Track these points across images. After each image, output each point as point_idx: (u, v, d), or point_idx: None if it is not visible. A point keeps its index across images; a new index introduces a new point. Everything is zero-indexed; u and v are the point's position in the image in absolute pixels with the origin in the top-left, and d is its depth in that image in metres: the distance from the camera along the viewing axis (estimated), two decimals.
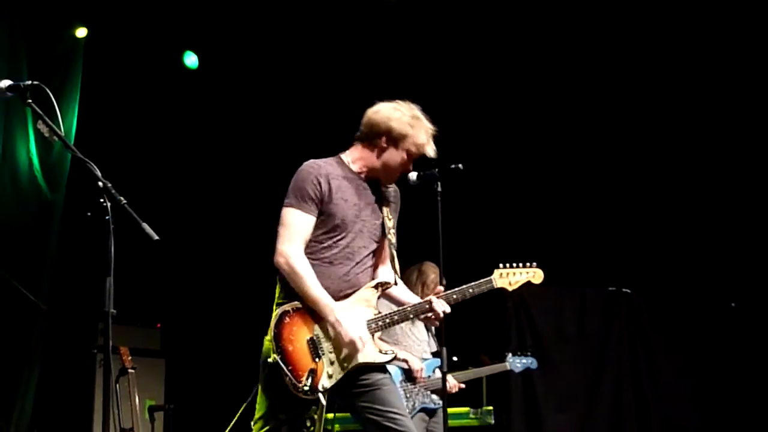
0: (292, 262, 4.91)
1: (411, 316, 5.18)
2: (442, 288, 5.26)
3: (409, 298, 5.26)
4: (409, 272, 7.63)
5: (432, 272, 7.62)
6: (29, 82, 4.24)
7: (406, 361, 7.36)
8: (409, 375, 7.38)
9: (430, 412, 7.45)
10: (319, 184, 5.00)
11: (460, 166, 5.43)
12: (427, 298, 5.16)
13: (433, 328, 7.51)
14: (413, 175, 5.39)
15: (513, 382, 9.77)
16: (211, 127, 11.00)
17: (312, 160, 5.13)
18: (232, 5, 10.20)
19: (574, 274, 10.10)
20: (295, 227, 4.98)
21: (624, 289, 10.15)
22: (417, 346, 7.53)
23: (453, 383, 7.51)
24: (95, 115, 9.83)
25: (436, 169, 5.45)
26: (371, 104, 5.23)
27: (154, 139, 10.68)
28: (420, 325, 7.55)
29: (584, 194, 10.47)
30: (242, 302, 10.55)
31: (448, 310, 5.13)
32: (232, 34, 10.52)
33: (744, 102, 9.86)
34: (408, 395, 7.36)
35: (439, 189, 5.48)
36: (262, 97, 10.87)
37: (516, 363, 8.08)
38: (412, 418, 7.28)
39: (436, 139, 5.19)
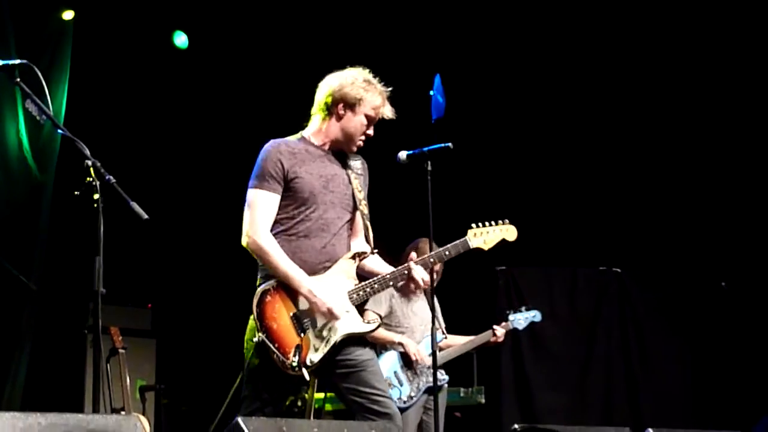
0: (260, 241, 4.96)
1: (391, 283, 5.17)
2: (415, 255, 5.25)
3: (385, 268, 5.24)
4: (421, 250, 7.61)
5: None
6: (18, 61, 4.22)
7: (401, 344, 7.33)
8: (407, 360, 7.35)
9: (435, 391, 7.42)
10: (280, 161, 5.03)
11: (450, 145, 5.42)
12: (406, 265, 5.15)
13: (437, 305, 7.42)
14: (403, 154, 5.39)
15: (504, 362, 9.81)
16: (201, 107, 10.97)
17: (273, 140, 5.17)
18: None
19: (564, 254, 10.12)
20: (260, 207, 5.03)
21: (614, 269, 10.17)
22: (420, 326, 7.48)
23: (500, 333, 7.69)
24: (85, 95, 9.80)
25: (426, 148, 5.44)
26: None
27: (143, 119, 10.65)
28: (421, 304, 7.49)
29: (575, 174, 10.48)
30: (233, 282, 10.50)
31: (426, 277, 5.13)
32: (222, 13, 10.49)
33: (732, 83, 9.87)
34: (411, 379, 7.33)
35: (429, 168, 5.47)
36: (253, 77, 10.85)
37: (519, 320, 7.98)
38: (417, 400, 7.30)
39: (425, 116, 5.20)
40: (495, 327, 7.82)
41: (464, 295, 9.42)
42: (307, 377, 4.87)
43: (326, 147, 5.19)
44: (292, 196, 5.03)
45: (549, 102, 10.50)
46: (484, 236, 5.38)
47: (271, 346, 4.83)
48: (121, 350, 8.27)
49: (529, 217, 9.90)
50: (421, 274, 5.12)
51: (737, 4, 9.55)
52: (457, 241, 5.31)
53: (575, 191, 10.46)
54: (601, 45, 10.17)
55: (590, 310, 10.12)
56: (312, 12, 10.35)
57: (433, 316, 5.58)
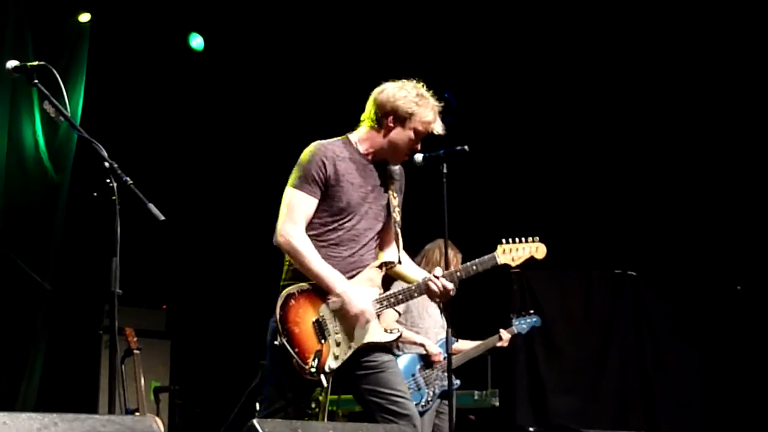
0: (293, 240, 4.92)
1: (415, 294, 5.16)
2: (440, 269, 5.24)
3: (417, 274, 5.24)
4: (430, 251, 7.61)
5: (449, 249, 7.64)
6: (35, 62, 4.24)
7: (423, 345, 7.33)
8: (427, 361, 7.35)
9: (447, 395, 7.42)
10: (324, 166, 4.99)
11: (466, 147, 5.42)
12: (427, 276, 5.14)
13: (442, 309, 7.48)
14: (419, 157, 5.38)
15: (518, 365, 9.80)
16: (217, 109, 11.00)
17: (318, 141, 5.11)
18: None
19: (579, 257, 10.10)
20: (297, 208, 4.98)
21: (629, 272, 10.15)
22: (434, 328, 7.49)
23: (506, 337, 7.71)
24: (101, 97, 9.83)
25: (442, 151, 5.44)
26: (377, 85, 5.22)
27: (160, 121, 10.68)
28: (435, 307, 7.51)
29: (590, 177, 10.46)
30: (247, 284, 10.56)
31: (449, 286, 5.11)
32: (238, 15, 10.51)
33: (746, 83, 9.85)
34: (428, 382, 7.33)
35: (445, 170, 5.46)
36: (268, 78, 10.87)
37: (522, 324, 7.99)
38: (433, 403, 7.31)
39: (444, 120, 5.18)
40: (501, 331, 7.85)
41: (478, 298, 9.40)
42: (324, 382, 4.87)
43: (370, 156, 5.17)
44: (328, 202, 5.01)
45: (565, 106, 10.48)
46: (513, 253, 5.37)
47: (291, 350, 4.83)
48: (135, 351, 8.28)
49: (544, 219, 9.93)
50: (440, 286, 5.09)
51: (737, 4, 9.51)
52: (485, 257, 5.30)
53: (590, 194, 10.44)
54: (617, 51, 10.15)
55: (605, 313, 10.10)
56: (326, 14, 10.36)
57: (448, 319, 5.58)
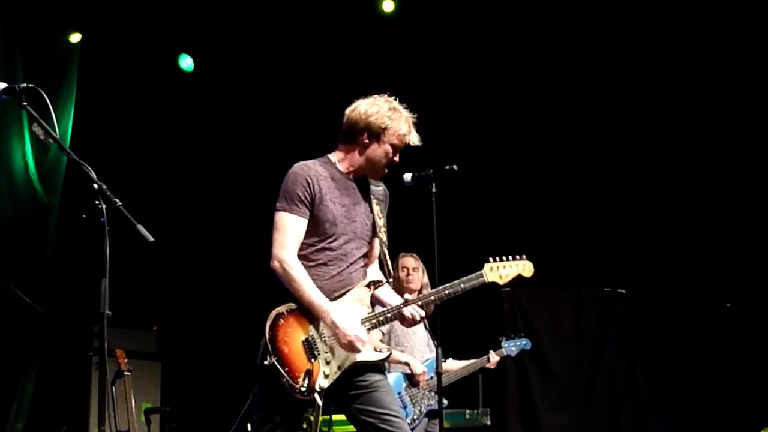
0: (287, 266, 4.91)
1: (389, 317, 5.14)
2: (409, 295, 5.24)
3: (395, 299, 5.23)
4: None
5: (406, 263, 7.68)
6: (24, 84, 4.24)
7: (408, 364, 7.33)
8: (412, 380, 7.36)
9: (435, 414, 7.41)
10: (309, 185, 4.99)
11: (455, 167, 5.42)
12: (402, 301, 5.14)
13: (429, 327, 7.50)
14: (408, 176, 5.39)
15: (509, 383, 9.80)
16: (206, 130, 11.01)
17: (301, 162, 5.12)
18: (227, 8, 10.22)
19: (569, 275, 10.12)
20: (288, 231, 4.98)
21: (619, 290, 10.16)
22: (419, 346, 7.51)
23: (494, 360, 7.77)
24: (91, 118, 9.85)
25: (431, 170, 5.45)
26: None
27: (149, 142, 10.69)
28: (421, 325, 7.51)
29: (580, 195, 10.47)
30: (238, 305, 10.55)
31: (418, 316, 5.11)
32: (228, 36, 10.53)
33: (742, 99, 9.87)
34: (414, 401, 7.33)
35: (434, 190, 5.47)
36: (257, 99, 10.88)
37: (511, 347, 8.02)
38: (419, 422, 7.30)
39: (430, 137, 5.18)
40: (491, 353, 7.87)
41: (469, 316, 9.41)
42: (319, 401, 4.86)
43: (351, 174, 5.17)
44: (314, 222, 5.01)
45: (553, 124, 10.51)
46: (500, 271, 5.36)
47: (281, 369, 4.81)
48: (126, 373, 8.27)
49: (534, 237, 9.95)
50: (413, 312, 5.09)
51: (737, 5, 9.54)
52: (473, 275, 5.28)
53: (580, 212, 10.46)
54: (605, 69, 10.18)
55: (595, 331, 10.11)
56: (317, 35, 10.39)
57: (436, 338, 5.58)
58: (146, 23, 10.13)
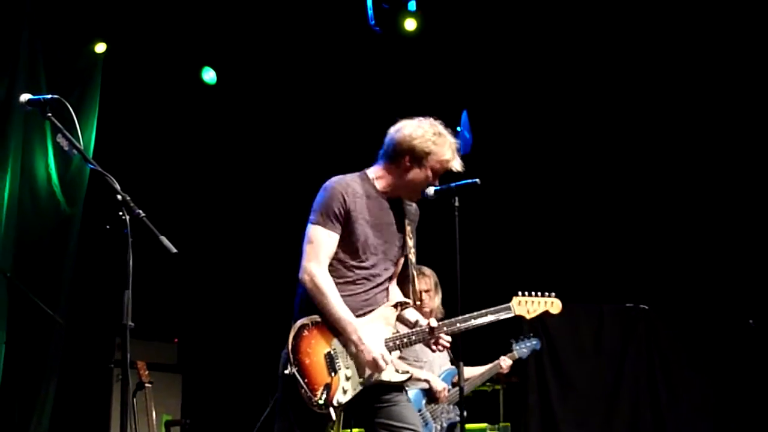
0: (317, 280, 4.90)
1: (414, 339, 5.13)
2: (435, 320, 5.21)
3: (418, 320, 5.22)
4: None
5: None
6: (49, 96, 4.25)
7: (427, 381, 7.30)
8: (431, 396, 7.32)
9: (454, 427, 7.37)
10: (345, 202, 4.98)
11: (478, 181, 5.39)
12: (426, 325, 5.13)
13: None
14: (430, 190, 5.37)
15: (530, 398, 9.74)
16: (228, 143, 11.04)
17: (338, 177, 5.11)
18: (251, 22, 10.24)
19: (591, 290, 10.07)
20: (321, 245, 4.96)
21: (641, 306, 10.10)
22: (437, 360, 7.47)
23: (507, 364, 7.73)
24: (114, 129, 9.88)
25: (454, 184, 5.44)
26: (387, 119, 5.21)
27: (172, 154, 10.72)
28: None
29: (602, 210, 10.44)
30: (258, 317, 10.56)
31: (447, 343, 5.13)
32: (250, 50, 10.56)
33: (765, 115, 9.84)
34: (434, 416, 7.29)
35: (457, 204, 5.45)
36: (280, 112, 10.90)
37: (522, 348, 7.97)
38: None
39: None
40: (502, 358, 7.82)
41: (490, 332, 9.38)
42: (334, 416, 4.84)
43: (387, 194, 5.15)
44: (346, 239, 4.99)
45: (577, 138, 10.48)
46: (528, 306, 5.39)
47: (301, 380, 4.80)
48: (147, 385, 8.28)
49: (555, 252, 9.93)
50: (442, 343, 5.12)
51: (737, 5, 9.51)
52: (500, 307, 5.31)
53: (602, 227, 10.42)
54: (631, 86, 10.16)
55: (617, 347, 10.04)
56: (338, 48, 10.40)
57: (457, 355, 5.57)
58: (170, 36, 10.17)
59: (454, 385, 7.27)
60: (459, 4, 10.09)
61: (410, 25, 10.23)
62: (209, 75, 10.82)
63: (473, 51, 10.30)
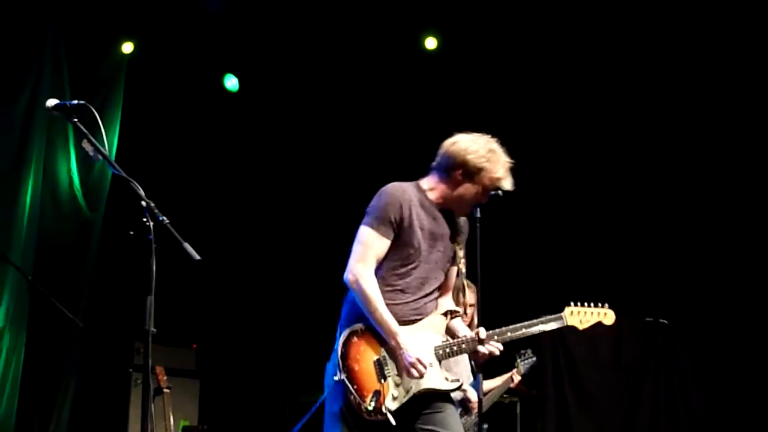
0: (362, 282, 4.92)
1: (464, 347, 5.13)
2: (483, 330, 5.19)
3: (465, 331, 5.23)
4: None
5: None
6: (75, 101, 4.27)
7: (465, 391, 7.28)
8: (465, 407, 7.30)
9: None
10: (401, 209, 5.01)
11: (500, 192, 5.39)
12: (474, 335, 5.11)
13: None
14: None
15: (548, 412, 9.72)
16: (251, 150, 11.06)
17: (397, 183, 5.13)
18: (274, 30, 10.27)
19: (610, 304, 10.03)
20: (371, 247, 4.98)
21: (661, 320, 10.07)
22: (466, 373, 7.46)
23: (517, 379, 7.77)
24: (136, 135, 9.91)
25: None
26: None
27: (194, 161, 10.75)
28: None
29: (622, 225, 10.41)
30: (277, 324, 10.57)
31: (496, 352, 5.12)
32: (273, 58, 10.58)
33: None
34: (467, 429, 7.28)
35: (478, 215, 5.45)
36: (302, 120, 10.92)
37: (525, 365, 7.97)
38: None
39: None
40: (513, 372, 7.82)
41: (507, 346, 9.36)
42: (393, 421, 4.82)
43: (439, 205, 5.17)
44: (399, 248, 5.02)
45: (597, 150, 10.46)
46: (581, 316, 5.39)
47: (350, 386, 4.83)
48: (165, 390, 8.30)
49: (574, 266, 9.90)
50: (490, 350, 5.11)
51: (737, 5, 9.48)
52: (553, 316, 5.33)
53: (622, 242, 10.39)
54: (652, 100, 10.14)
55: (636, 361, 10.01)
56: (359, 58, 10.42)
57: (478, 365, 5.55)
58: (193, 42, 10.20)
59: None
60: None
61: (431, 43, 10.35)
62: (231, 82, 10.85)
63: (493, 68, 10.31)
